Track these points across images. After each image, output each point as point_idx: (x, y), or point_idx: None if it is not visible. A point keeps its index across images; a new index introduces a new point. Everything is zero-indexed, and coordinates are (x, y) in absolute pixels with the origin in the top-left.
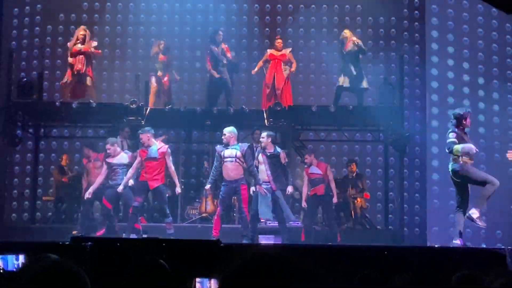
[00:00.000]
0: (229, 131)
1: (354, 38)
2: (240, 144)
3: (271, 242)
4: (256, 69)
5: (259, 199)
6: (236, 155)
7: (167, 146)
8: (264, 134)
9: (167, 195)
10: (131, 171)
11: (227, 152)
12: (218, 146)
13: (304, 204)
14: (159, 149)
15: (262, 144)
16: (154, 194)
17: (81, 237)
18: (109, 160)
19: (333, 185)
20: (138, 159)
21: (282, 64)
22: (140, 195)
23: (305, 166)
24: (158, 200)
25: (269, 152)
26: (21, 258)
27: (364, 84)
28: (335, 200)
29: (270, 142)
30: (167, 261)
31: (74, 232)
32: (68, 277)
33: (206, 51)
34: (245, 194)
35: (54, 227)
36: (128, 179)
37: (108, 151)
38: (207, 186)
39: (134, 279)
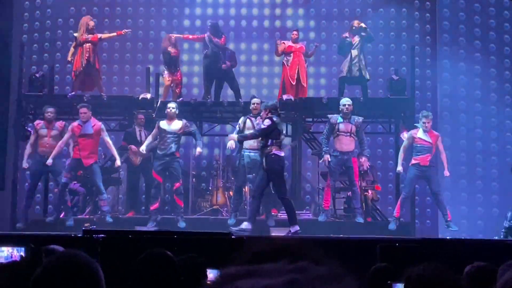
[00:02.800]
0: (351, 102)
1: (362, 25)
2: (354, 116)
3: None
4: (280, 51)
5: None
6: (351, 130)
7: (100, 122)
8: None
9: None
10: (60, 145)
11: (342, 126)
12: (333, 116)
13: (400, 168)
14: (93, 125)
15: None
16: (89, 171)
17: (93, 229)
18: (163, 126)
19: (444, 156)
20: (70, 133)
21: (303, 56)
22: (70, 172)
23: (412, 130)
24: (93, 177)
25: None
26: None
27: (367, 75)
28: (446, 173)
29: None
30: (178, 253)
31: (86, 225)
32: (82, 268)
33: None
34: (356, 167)
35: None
36: (57, 152)
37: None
38: (326, 157)
39: (141, 271)
